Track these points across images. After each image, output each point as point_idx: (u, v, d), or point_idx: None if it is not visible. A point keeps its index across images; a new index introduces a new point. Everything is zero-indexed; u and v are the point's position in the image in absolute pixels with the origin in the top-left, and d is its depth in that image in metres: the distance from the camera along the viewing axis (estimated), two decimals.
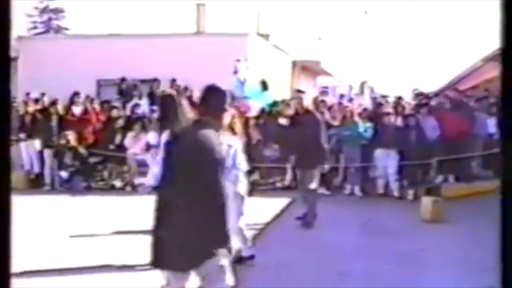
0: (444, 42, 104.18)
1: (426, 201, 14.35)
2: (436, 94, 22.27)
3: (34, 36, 25.87)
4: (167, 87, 20.34)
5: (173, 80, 20.75)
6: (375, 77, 28.17)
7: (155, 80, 20.78)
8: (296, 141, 13.69)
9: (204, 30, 26.66)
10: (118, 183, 18.48)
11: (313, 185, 13.12)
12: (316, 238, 12.22)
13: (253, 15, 30.68)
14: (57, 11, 61.76)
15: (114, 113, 18.74)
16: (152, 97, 20.00)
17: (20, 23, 60.47)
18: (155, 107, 18.98)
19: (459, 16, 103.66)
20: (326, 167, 13.90)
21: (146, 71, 21.28)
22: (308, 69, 32.37)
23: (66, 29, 58.59)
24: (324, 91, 28.96)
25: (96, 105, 19.48)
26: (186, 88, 19.88)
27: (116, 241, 11.45)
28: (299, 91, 14.19)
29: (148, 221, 5.38)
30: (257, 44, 24.48)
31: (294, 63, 30.26)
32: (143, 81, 21.42)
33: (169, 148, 5.66)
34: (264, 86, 19.17)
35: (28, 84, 21.90)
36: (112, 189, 18.23)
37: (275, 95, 20.15)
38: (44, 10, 61.60)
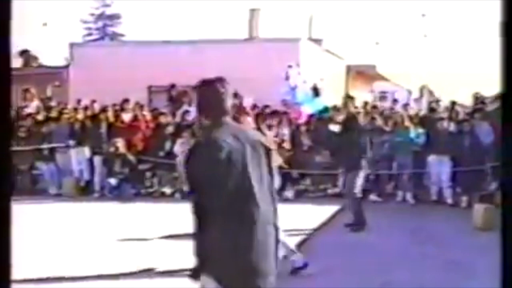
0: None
1: (478, 208, 14.05)
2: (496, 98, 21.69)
3: (86, 43, 25.96)
4: None
5: None
6: (434, 81, 27.58)
7: None
8: (341, 147, 13.59)
9: (258, 35, 26.51)
10: (167, 190, 18.40)
11: (356, 191, 12.96)
12: (364, 245, 12.02)
13: (306, 20, 30.40)
14: (113, 17, 62.21)
15: (163, 119, 18.71)
16: None
17: (75, 30, 61.33)
18: None
19: None
20: (363, 173, 13.55)
21: (197, 77, 21.13)
22: (363, 74, 31.98)
23: (122, 35, 58.80)
24: (383, 96, 28.65)
25: (146, 112, 19.50)
26: (235, 95, 19.77)
27: (165, 248, 11.40)
28: (349, 97, 13.95)
29: None
30: (309, 49, 24.29)
31: (349, 68, 29.99)
32: (193, 88, 21.32)
33: None
34: (316, 92, 19.00)
35: (79, 91, 22.03)
36: (161, 196, 18.17)
37: (329, 101, 19.89)
38: (99, 17, 62.11)
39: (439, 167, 17.06)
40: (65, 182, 18.75)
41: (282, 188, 18.05)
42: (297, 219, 14.33)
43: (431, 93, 26.64)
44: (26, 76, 25.36)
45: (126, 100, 19.09)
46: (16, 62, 31.72)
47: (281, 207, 14.68)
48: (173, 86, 21.35)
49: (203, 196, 4.70)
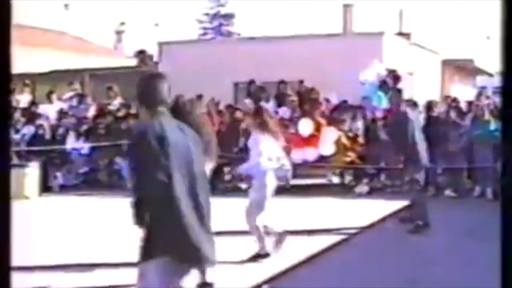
0: None
1: None
2: None
3: (175, 41, 26.35)
4: (295, 88, 20.34)
5: (301, 82, 20.66)
6: None
7: (282, 82, 20.67)
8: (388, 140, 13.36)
9: (351, 30, 26.30)
10: (243, 185, 18.31)
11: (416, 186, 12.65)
12: (413, 245, 11.78)
13: (395, 14, 29.88)
14: (228, 16, 62.91)
15: (238, 115, 18.68)
16: (279, 98, 19.97)
17: (191, 29, 62.31)
18: (280, 110, 18.96)
19: None
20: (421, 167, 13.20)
21: (281, 73, 21.20)
22: (462, 68, 31.19)
23: (238, 34, 59.19)
24: (496, 92, 27.96)
25: (222, 108, 19.66)
26: (312, 89, 19.73)
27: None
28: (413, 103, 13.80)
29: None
30: (395, 44, 23.86)
31: (444, 63, 29.20)
32: (281, 83, 21.26)
33: None
34: (385, 87, 18.61)
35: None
36: (237, 191, 18.05)
37: (423, 96, 19.43)
38: (214, 16, 62.93)
39: None
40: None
41: (355, 184, 18.03)
42: (362, 215, 14.22)
43: None
44: (123, 75, 26.02)
45: (199, 96, 19.16)
46: (132, 62, 32.65)
47: (353, 203, 14.68)
48: (252, 81, 21.40)
49: (145, 183, 5.01)
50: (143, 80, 5.49)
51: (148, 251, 5.12)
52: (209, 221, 5.30)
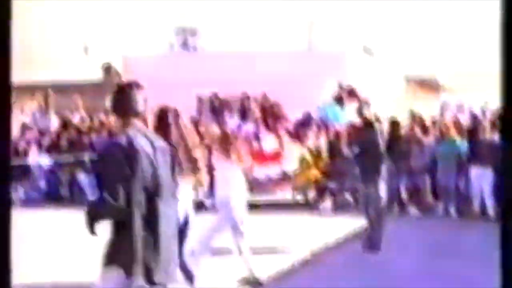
0: None
1: None
2: None
3: (140, 56, 26.33)
4: (258, 102, 20.26)
5: (264, 96, 20.55)
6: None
7: (246, 96, 20.58)
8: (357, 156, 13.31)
9: (315, 47, 26.17)
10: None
11: (380, 201, 12.55)
12: (376, 264, 11.70)
13: (358, 31, 29.64)
14: (193, 31, 62.58)
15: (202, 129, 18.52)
16: (242, 113, 19.88)
17: (156, 43, 61.93)
18: (244, 125, 18.92)
19: None
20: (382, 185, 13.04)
21: (244, 88, 21.08)
22: (426, 84, 31.23)
23: (202, 48, 58.94)
24: (460, 109, 28.10)
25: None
26: (275, 104, 19.70)
27: None
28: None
29: None
30: (358, 60, 23.83)
31: (407, 79, 29.17)
32: (244, 97, 21.15)
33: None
34: (340, 103, 18.66)
35: None
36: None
37: (385, 113, 19.40)
38: (179, 31, 62.57)
39: (481, 179, 16.41)
40: None
41: (318, 201, 17.94)
42: (323, 232, 14.11)
43: None
44: (87, 88, 25.81)
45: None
46: (97, 75, 32.34)
47: (316, 220, 14.53)
48: (215, 95, 21.29)
49: (115, 195, 5.06)
50: (118, 88, 5.49)
51: (107, 257, 5.27)
52: (168, 240, 5.36)
